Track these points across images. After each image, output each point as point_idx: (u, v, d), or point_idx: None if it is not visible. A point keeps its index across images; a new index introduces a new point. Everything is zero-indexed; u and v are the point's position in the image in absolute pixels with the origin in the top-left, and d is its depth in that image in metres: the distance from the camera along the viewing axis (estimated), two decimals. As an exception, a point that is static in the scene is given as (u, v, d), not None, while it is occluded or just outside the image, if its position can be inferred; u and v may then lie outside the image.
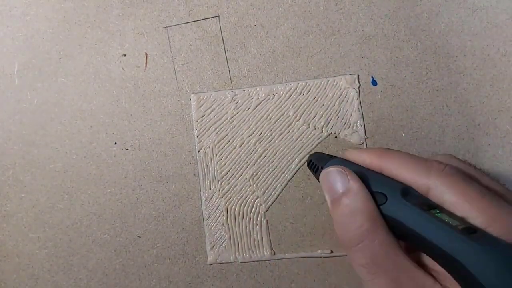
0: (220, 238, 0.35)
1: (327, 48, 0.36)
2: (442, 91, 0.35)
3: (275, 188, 0.35)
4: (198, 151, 0.36)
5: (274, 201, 0.35)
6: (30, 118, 0.37)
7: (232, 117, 0.36)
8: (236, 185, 0.35)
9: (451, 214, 0.21)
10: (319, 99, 0.36)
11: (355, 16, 0.36)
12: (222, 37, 0.37)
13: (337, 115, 0.35)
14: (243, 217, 0.35)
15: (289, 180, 0.35)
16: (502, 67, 0.35)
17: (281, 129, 0.35)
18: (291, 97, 0.36)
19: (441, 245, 0.20)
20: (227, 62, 0.37)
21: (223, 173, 0.35)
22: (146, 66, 0.37)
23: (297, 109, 0.36)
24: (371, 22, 0.36)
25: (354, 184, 0.24)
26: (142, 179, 0.36)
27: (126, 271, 0.35)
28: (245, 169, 0.35)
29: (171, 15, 0.37)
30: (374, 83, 0.36)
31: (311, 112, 0.35)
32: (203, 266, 0.35)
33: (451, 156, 0.25)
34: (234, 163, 0.35)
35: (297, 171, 0.35)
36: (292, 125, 0.35)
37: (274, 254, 0.34)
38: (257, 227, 0.35)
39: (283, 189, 0.35)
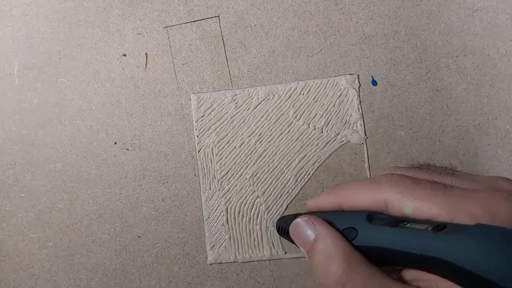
0: (220, 238, 0.35)
1: (327, 48, 0.36)
2: (442, 91, 0.35)
3: (275, 188, 0.35)
4: (198, 151, 0.36)
5: (274, 201, 0.35)
6: (30, 118, 0.37)
7: (232, 117, 0.36)
8: (236, 185, 0.35)
9: (417, 221, 0.21)
10: (319, 99, 0.36)
11: (355, 16, 0.36)
12: (222, 37, 0.37)
13: (337, 115, 0.35)
14: (243, 217, 0.35)
15: (289, 180, 0.35)
16: (502, 67, 0.35)
17: (281, 129, 0.35)
18: (291, 97, 0.36)
19: (421, 251, 0.20)
20: (227, 62, 0.37)
21: (223, 173, 0.35)
22: (146, 66, 0.37)
23: (297, 109, 0.36)
24: (371, 22, 0.36)
25: (321, 229, 0.24)
26: (142, 179, 0.36)
27: (126, 271, 0.35)
28: (245, 169, 0.35)
29: (171, 15, 0.37)
30: (374, 83, 0.36)
31: (311, 112, 0.35)
32: (203, 266, 0.35)
33: (395, 167, 0.26)
34: (234, 163, 0.35)
35: (297, 171, 0.35)
36: (292, 125, 0.35)
37: (273, 254, 0.34)
38: (257, 227, 0.35)
39: (283, 189, 0.35)
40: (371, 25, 0.36)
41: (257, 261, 0.34)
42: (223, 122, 0.36)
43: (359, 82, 0.36)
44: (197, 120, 0.36)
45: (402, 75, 0.35)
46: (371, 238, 0.23)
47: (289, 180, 0.35)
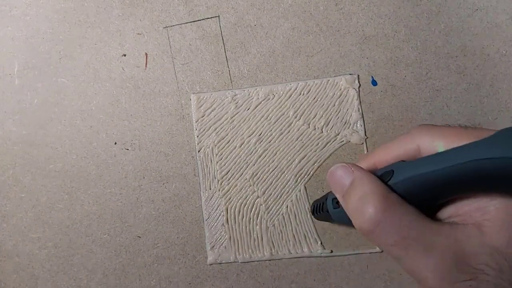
0: (220, 238, 0.35)
1: (327, 48, 0.36)
2: (442, 91, 0.35)
3: (275, 188, 0.35)
4: (198, 151, 0.36)
5: (274, 201, 0.35)
6: (30, 118, 0.37)
7: (232, 117, 0.36)
8: (236, 185, 0.35)
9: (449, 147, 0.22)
10: (319, 99, 0.36)
11: (355, 16, 0.36)
12: (222, 37, 0.37)
13: (337, 115, 0.35)
14: (243, 217, 0.35)
15: (289, 180, 0.35)
16: (502, 67, 0.35)
17: (281, 129, 0.35)
18: (291, 97, 0.36)
19: (471, 158, 0.20)
20: (227, 62, 0.37)
21: (223, 173, 0.35)
22: (146, 66, 0.37)
23: (297, 109, 0.36)
24: (371, 22, 0.36)
25: (358, 172, 0.24)
26: (142, 179, 0.36)
27: (126, 271, 0.35)
28: (245, 169, 0.35)
29: (171, 15, 0.37)
30: (374, 83, 0.36)
31: (311, 112, 0.35)
32: (203, 266, 0.35)
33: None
34: (234, 163, 0.35)
35: (297, 171, 0.35)
36: (292, 125, 0.35)
37: (274, 254, 0.34)
38: (257, 227, 0.35)
39: (283, 189, 0.35)
40: (371, 25, 0.36)
41: (257, 261, 0.34)
42: (223, 122, 0.36)
43: (359, 82, 0.35)
44: (197, 120, 0.36)
45: (402, 75, 0.35)
46: (409, 171, 0.22)
47: (289, 180, 0.35)
